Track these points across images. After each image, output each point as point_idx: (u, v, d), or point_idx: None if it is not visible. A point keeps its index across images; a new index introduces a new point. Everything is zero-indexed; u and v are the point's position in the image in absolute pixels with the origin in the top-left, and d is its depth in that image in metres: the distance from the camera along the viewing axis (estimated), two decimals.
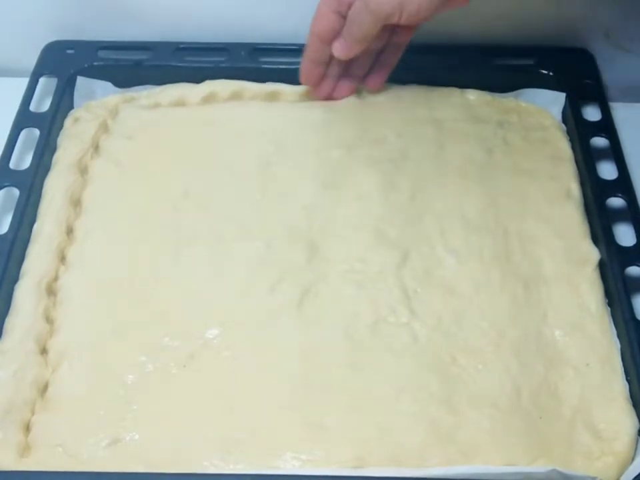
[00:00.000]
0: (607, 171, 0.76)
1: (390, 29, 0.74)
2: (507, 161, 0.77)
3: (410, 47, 0.84)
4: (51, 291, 0.69)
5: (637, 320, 0.65)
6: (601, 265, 0.70)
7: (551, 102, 0.82)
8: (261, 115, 0.81)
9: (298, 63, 0.83)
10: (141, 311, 0.67)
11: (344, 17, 0.72)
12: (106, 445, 0.60)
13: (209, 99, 0.82)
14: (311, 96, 0.82)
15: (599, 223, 0.72)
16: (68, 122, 0.80)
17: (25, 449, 0.60)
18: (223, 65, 0.84)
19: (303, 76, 0.80)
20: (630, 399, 0.62)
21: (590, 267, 0.69)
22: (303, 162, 0.77)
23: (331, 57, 0.77)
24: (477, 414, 0.61)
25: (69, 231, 0.72)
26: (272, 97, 0.83)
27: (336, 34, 0.74)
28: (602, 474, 0.59)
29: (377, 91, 0.81)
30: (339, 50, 0.74)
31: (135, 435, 0.60)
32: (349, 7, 0.72)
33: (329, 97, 0.81)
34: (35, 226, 0.72)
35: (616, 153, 0.77)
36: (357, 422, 0.61)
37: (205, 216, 0.73)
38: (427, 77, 0.83)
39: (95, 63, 0.84)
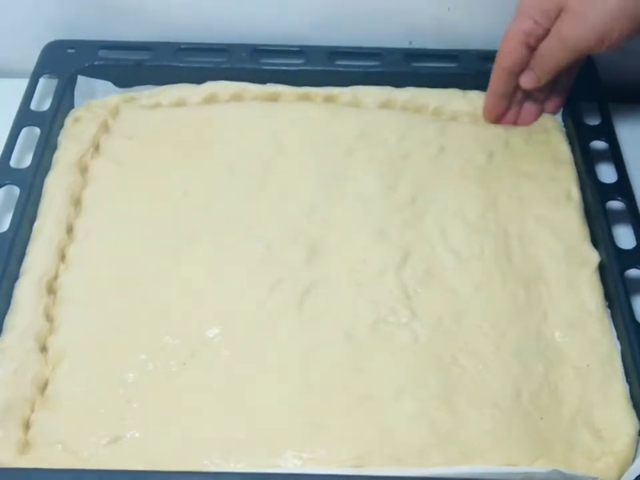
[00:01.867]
0: (607, 173, 0.76)
1: None
2: (508, 163, 0.77)
3: (409, 52, 0.85)
4: (51, 290, 0.68)
5: (637, 322, 0.65)
6: (601, 268, 0.70)
7: None
8: (261, 115, 0.81)
9: (298, 64, 0.84)
10: (141, 309, 0.67)
11: (533, 49, 0.72)
12: (106, 442, 0.60)
13: (209, 100, 0.82)
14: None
15: (599, 226, 0.72)
16: (68, 121, 0.80)
17: (25, 447, 0.60)
18: (224, 65, 0.84)
19: (488, 111, 0.80)
20: (630, 400, 0.62)
21: (590, 269, 0.69)
22: (303, 162, 0.77)
23: (516, 87, 0.77)
24: (477, 414, 0.61)
25: (69, 230, 0.72)
26: (272, 98, 0.83)
27: (524, 65, 0.74)
28: (602, 474, 0.59)
29: (555, 113, 0.81)
30: (528, 82, 0.74)
31: (135, 433, 0.60)
32: (539, 39, 0.71)
33: (513, 124, 0.81)
34: (35, 224, 0.72)
35: (615, 156, 0.77)
36: (358, 421, 0.61)
37: (205, 216, 0.73)
38: (427, 82, 0.83)
39: (96, 63, 0.84)
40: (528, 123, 0.81)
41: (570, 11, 0.68)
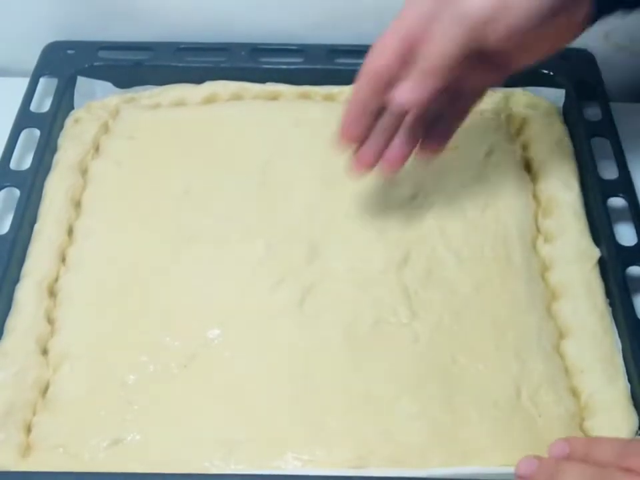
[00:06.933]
0: (608, 170, 0.76)
1: (453, 92, 0.62)
2: (508, 159, 0.77)
3: None
4: (51, 292, 0.69)
5: (637, 320, 0.65)
6: (602, 265, 0.69)
7: (552, 101, 0.82)
8: (261, 114, 0.81)
9: (298, 63, 0.84)
10: (142, 311, 0.67)
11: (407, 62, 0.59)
12: (107, 445, 0.60)
13: (209, 100, 0.83)
14: (351, 171, 0.68)
15: (600, 222, 0.72)
16: (68, 122, 0.80)
17: (26, 450, 0.60)
18: (223, 65, 0.84)
19: (343, 131, 0.64)
20: (631, 399, 0.62)
21: (590, 265, 0.69)
22: (303, 162, 0.77)
23: (377, 118, 0.63)
24: (478, 414, 0.61)
25: (70, 232, 0.72)
26: (272, 97, 0.83)
27: (393, 80, 0.60)
28: None
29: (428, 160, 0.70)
30: (406, 91, 0.59)
31: (136, 436, 0.60)
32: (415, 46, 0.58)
33: (370, 166, 0.66)
34: (36, 226, 0.72)
35: (616, 153, 0.76)
36: (358, 422, 0.61)
37: (205, 216, 0.73)
38: None
39: (96, 63, 0.84)
40: (393, 168, 0.66)
41: None
